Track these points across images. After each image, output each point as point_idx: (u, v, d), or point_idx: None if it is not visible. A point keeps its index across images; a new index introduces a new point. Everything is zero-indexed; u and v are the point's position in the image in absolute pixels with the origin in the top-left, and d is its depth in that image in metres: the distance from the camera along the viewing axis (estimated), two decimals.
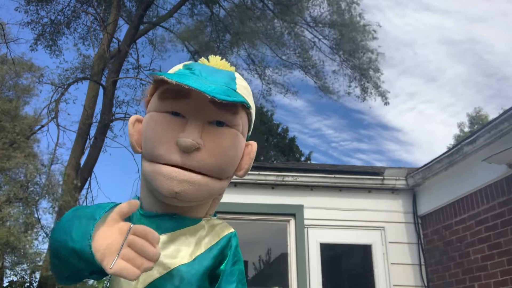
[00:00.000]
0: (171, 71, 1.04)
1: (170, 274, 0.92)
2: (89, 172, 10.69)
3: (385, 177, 4.83)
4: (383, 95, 12.72)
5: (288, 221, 4.72)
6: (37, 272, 10.11)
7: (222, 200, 1.10)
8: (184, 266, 0.93)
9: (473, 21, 36.31)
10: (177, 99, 0.92)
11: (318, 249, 4.62)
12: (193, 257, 0.95)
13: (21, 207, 9.08)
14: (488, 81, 36.52)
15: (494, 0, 33.65)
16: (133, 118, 1.03)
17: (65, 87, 11.15)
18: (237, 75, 1.03)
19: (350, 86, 13.12)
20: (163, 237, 0.95)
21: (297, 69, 13.42)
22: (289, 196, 4.80)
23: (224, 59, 1.06)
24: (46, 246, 9.58)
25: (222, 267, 0.97)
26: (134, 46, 12.73)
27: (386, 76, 12.78)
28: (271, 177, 4.74)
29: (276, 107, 14.00)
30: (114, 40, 12.03)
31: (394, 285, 4.55)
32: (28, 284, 10.25)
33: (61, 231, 0.89)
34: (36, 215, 9.25)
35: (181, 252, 0.95)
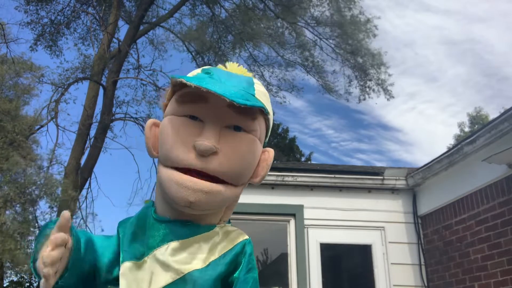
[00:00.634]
0: (189, 75, 1.03)
1: (183, 279, 0.91)
2: (89, 172, 10.69)
3: (385, 177, 4.83)
4: (386, 89, 12.70)
5: (288, 221, 4.72)
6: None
7: None
8: (198, 271, 0.92)
9: (473, 21, 36.32)
10: (195, 103, 0.92)
11: (318, 249, 4.62)
12: (207, 262, 0.93)
13: (17, 211, 9.07)
14: (488, 81, 36.52)
15: (494, 0, 33.66)
16: (150, 121, 1.03)
17: (65, 87, 11.16)
18: (255, 80, 1.02)
19: (350, 86, 13.13)
20: (175, 244, 0.94)
21: (298, 68, 13.44)
22: (289, 196, 4.80)
23: (242, 66, 1.05)
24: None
25: (235, 274, 0.94)
26: (134, 46, 12.74)
27: (388, 74, 12.72)
28: (271, 177, 4.74)
29: (285, 103, 13.87)
30: (114, 40, 12.03)
31: (394, 285, 4.55)
32: (28, 284, 10.25)
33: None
34: (34, 219, 9.25)
35: (195, 258, 0.93)
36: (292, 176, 4.77)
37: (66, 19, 12.98)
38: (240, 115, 0.92)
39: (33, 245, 0.94)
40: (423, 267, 4.65)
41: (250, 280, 0.95)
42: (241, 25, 12.22)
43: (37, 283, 9.98)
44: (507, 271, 3.58)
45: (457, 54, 37.74)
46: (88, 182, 10.71)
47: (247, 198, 4.66)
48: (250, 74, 1.04)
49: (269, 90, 13.79)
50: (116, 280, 0.96)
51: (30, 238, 8.97)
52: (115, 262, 0.98)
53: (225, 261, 0.95)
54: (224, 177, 0.93)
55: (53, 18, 12.94)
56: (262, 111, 0.95)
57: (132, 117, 11.96)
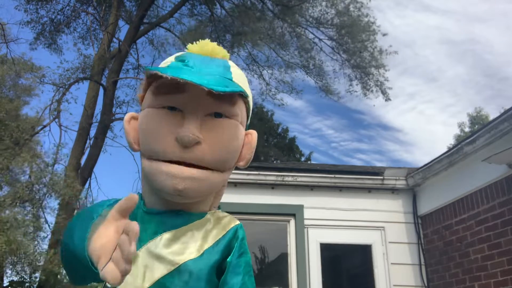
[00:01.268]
0: (162, 64, 1.02)
1: (178, 270, 0.91)
2: (89, 172, 10.69)
3: (385, 177, 4.83)
4: (384, 91, 12.71)
5: (288, 221, 4.72)
6: (37, 272, 10.12)
7: (222, 200, 1.10)
8: (192, 261, 0.92)
9: (473, 21, 36.32)
10: (172, 94, 0.90)
11: (318, 249, 4.62)
12: (201, 251, 0.93)
13: (26, 208, 9.11)
14: (488, 81, 36.53)
15: (494, 0, 33.66)
16: (128, 115, 1.01)
17: (66, 87, 11.16)
18: (231, 63, 1.00)
19: (351, 85, 13.12)
20: (168, 234, 0.94)
21: (298, 69, 13.43)
22: (289, 196, 4.80)
23: (216, 43, 1.02)
24: (46, 245, 9.60)
25: (228, 259, 0.95)
26: (134, 46, 12.74)
27: (386, 76, 12.73)
28: (271, 177, 4.74)
29: (284, 104, 13.85)
30: (114, 40, 12.03)
31: (394, 285, 4.55)
32: (28, 284, 10.24)
33: (67, 236, 0.88)
34: (43, 216, 9.29)
35: (189, 247, 0.93)
36: (292, 176, 4.77)
37: (66, 18, 12.99)
38: (219, 102, 0.90)
39: (83, 225, 0.83)
40: (423, 267, 4.65)
41: (242, 263, 0.95)
42: (240, 25, 12.22)
43: (37, 283, 9.98)
44: (507, 271, 3.58)
45: (457, 54, 37.76)
46: (88, 182, 10.71)
47: (247, 198, 4.67)
48: (224, 53, 1.01)
49: (267, 91, 13.80)
50: None
51: (40, 233, 9.06)
52: None
53: (219, 248, 0.95)
54: (210, 165, 0.92)
55: (53, 17, 12.95)
56: (242, 95, 0.94)
57: None
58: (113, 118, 11.59)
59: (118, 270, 0.72)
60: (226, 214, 1.04)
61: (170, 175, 0.89)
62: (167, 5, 13.53)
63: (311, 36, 13.05)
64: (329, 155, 29.10)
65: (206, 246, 0.94)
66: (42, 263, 9.19)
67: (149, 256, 0.92)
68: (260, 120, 16.61)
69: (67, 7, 12.99)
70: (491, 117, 18.07)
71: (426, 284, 4.58)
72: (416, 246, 4.74)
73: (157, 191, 0.94)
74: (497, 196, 3.77)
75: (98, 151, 10.94)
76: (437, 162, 4.44)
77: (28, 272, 10.36)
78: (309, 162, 17.48)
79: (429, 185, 4.69)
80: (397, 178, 4.85)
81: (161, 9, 13.69)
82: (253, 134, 1.02)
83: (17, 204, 8.56)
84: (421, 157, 43.58)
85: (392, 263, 4.64)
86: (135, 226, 0.70)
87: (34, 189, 9.07)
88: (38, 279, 10.03)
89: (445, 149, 7.03)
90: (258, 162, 9.66)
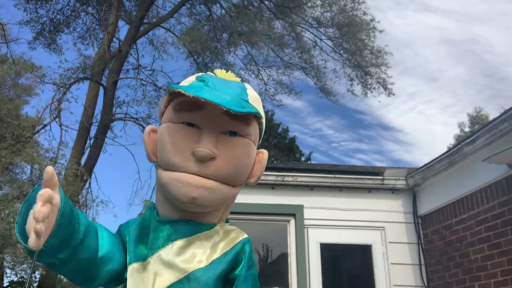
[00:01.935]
0: (184, 83, 1.08)
1: (188, 278, 0.95)
2: (89, 172, 10.69)
3: (385, 177, 4.83)
4: (386, 87, 12.67)
5: (288, 221, 4.72)
6: (37, 272, 10.12)
7: None
8: (201, 270, 0.96)
9: (473, 21, 36.30)
10: (192, 111, 0.97)
11: (318, 249, 4.62)
12: (209, 261, 0.98)
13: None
14: (488, 81, 36.52)
15: (494, 0, 33.65)
16: (148, 128, 1.07)
17: (67, 87, 11.16)
18: (247, 85, 1.08)
19: (351, 84, 13.10)
20: (179, 242, 0.99)
21: (297, 70, 13.42)
22: (289, 196, 4.80)
23: (230, 71, 1.11)
24: None
25: (237, 272, 1.00)
26: (134, 46, 12.74)
27: (388, 73, 12.70)
28: (271, 177, 4.74)
29: (282, 105, 13.91)
30: (114, 40, 12.03)
31: (394, 285, 4.55)
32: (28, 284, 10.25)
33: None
34: None
35: (197, 256, 0.98)
36: (292, 176, 4.77)
37: (65, 18, 12.98)
38: (235, 121, 0.97)
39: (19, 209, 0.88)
40: (423, 267, 4.65)
41: (250, 277, 1.01)
42: (238, 24, 12.22)
43: (37, 283, 9.98)
44: (507, 271, 3.58)
45: (457, 54, 37.74)
46: (88, 182, 10.71)
47: (247, 198, 4.67)
48: (238, 79, 1.10)
49: (266, 91, 13.79)
50: (120, 281, 1.00)
51: None
52: (124, 263, 1.02)
53: (227, 259, 0.99)
54: (223, 179, 0.98)
55: (52, 17, 12.95)
56: (256, 116, 1.00)
57: (132, 117, 11.96)
58: (113, 118, 11.59)
59: (33, 232, 0.79)
60: (234, 227, 1.09)
61: (186, 183, 0.95)
62: (167, 5, 13.53)
63: (311, 36, 13.06)
64: (329, 155, 29.11)
65: (215, 257, 0.99)
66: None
67: (160, 263, 0.97)
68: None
69: (67, 7, 13.00)
70: (491, 117, 18.09)
71: (426, 284, 4.58)
72: (416, 246, 4.74)
73: (172, 199, 0.99)
74: (497, 196, 3.77)
75: (98, 151, 10.95)
76: (437, 162, 4.44)
77: (28, 272, 10.36)
78: (309, 162, 17.48)
79: (429, 185, 4.69)
80: (397, 178, 4.85)
81: (161, 9, 13.70)
82: (264, 153, 1.09)
83: (19, 199, 8.58)
84: (421, 157, 43.59)
85: (392, 263, 4.63)
86: (43, 192, 0.80)
87: (35, 185, 9.08)
88: (38, 279, 10.02)
89: (445, 149, 7.04)
90: None
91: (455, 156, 4.20)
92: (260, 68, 13.58)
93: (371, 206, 4.83)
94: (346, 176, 4.86)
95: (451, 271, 4.26)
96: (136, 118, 11.97)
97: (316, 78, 13.33)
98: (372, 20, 12.21)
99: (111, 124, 11.57)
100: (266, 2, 12.54)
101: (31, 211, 0.81)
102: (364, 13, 12.18)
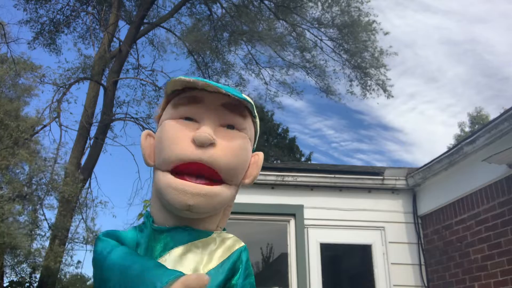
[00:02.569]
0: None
1: None
2: (89, 172, 10.69)
3: (385, 177, 4.83)
4: (385, 89, 12.67)
5: (288, 221, 4.72)
6: (37, 272, 10.12)
7: None
8: None
9: (473, 21, 36.31)
10: (190, 105, 0.98)
11: (318, 249, 4.62)
12: (205, 271, 0.97)
13: (24, 205, 9.13)
14: (489, 81, 36.54)
15: (495, 1, 33.65)
16: (145, 132, 1.08)
17: (67, 87, 11.16)
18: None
19: (351, 85, 13.10)
20: (177, 250, 0.98)
21: (298, 69, 13.42)
22: (289, 196, 4.80)
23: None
24: (47, 243, 9.60)
25: (233, 281, 0.99)
26: (135, 46, 12.74)
27: (387, 74, 12.70)
28: (271, 177, 4.74)
29: (282, 108, 13.97)
30: (114, 40, 12.03)
31: (394, 285, 4.55)
32: (28, 284, 10.25)
33: (115, 278, 0.88)
34: (41, 212, 9.31)
35: (195, 266, 0.97)
36: (292, 176, 4.77)
37: (65, 18, 12.98)
38: (232, 114, 0.99)
39: None
40: (423, 267, 4.65)
41: (247, 286, 1.00)
42: (239, 24, 12.22)
43: (37, 283, 9.98)
44: (507, 271, 3.58)
45: (458, 55, 37.76)
46: (88, 182, 10.71)
47: (247, 198, 4.67)
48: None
49: (267, 91, 13.79)
50: None
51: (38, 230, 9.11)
52: None
53: (224, 269, 0.98)
54: (221, 171, 0.97)
55: (52, 17, 12.94)
56: (251, 114, 1.03)
57: (132, 117, 11.97)
58: (113, 118, 11.59)
59: None
60: (230, 235, 1.08)
61: (181, 190, 0.94)
62: (167, 5, 13.53)
63: (311, 36, 13.05)
64: (329, 155, 29.13)
65: (211, 266, 0.98)
66: (41, 260, 9.20)
67: None
68: (261, 120, 16.43)
69: (67, 7, 12.99)
70: (491, 117, 18.07)
71: (426, 284, 4.58)
72: (416, 246, 4.74)
73: (168, 206, 0.98)
74: (497, 196, 3.77)
75: (98, 151, 10.95)
76: (437, 162, 4.44)
77: (28, 272, 10.37)
78: (309, 162, 17.48)
79: (429, 185, 4.69)
80: (397, 178, 4.85)
81: (161, 9, 13.70)
82: (260, 155, 1.09)
83: (15, 200, 8.58)
84: (421, 157, 43.62)
85: (392, 263, 4.63)
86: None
87: (33, 186, 9.08)
88: (38, 279, 10.02)
89: (445, 149, 7.04)
90: None
91: (455, 156, 4.20)
92: (261, 68, 13.58)
93: (371, 206, 4.83)
94: (346, 176, 4.85)
95: (451, 271, 4.26)
96: (136, 118, 11.99)
97: (317, 77, 13.33)
98: (374, 21, 12.20)
99: (111, 124, 11.57)
100: (266, 2, 12.54)
101: None
102: (367, 14, 12.17)
